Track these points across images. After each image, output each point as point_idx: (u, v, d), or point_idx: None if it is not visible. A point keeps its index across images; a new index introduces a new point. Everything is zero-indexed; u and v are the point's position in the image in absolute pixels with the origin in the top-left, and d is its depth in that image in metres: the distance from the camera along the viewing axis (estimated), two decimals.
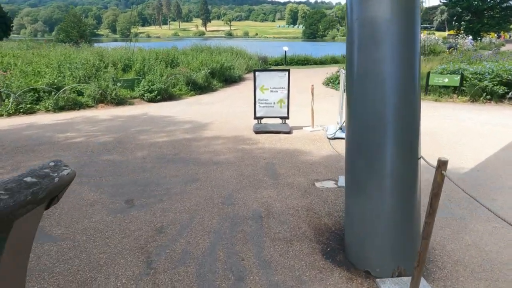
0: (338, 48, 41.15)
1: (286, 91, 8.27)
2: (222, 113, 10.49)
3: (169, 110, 11.14)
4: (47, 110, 10.92)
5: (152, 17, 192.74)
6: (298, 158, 6.33)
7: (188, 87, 14.12)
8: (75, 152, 6.79)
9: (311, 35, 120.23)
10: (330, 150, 6.83)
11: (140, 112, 10.88)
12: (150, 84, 12.65)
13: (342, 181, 5.15)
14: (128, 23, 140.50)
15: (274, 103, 8.34)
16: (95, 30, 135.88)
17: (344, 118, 7.80)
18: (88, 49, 17.98)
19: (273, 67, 23.33)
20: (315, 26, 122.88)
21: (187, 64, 16.32)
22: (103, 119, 9.85)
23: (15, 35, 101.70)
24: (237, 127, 8.70)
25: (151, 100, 12.52)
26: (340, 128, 7.68)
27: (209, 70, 15.41)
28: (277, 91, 8.28)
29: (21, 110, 10.59)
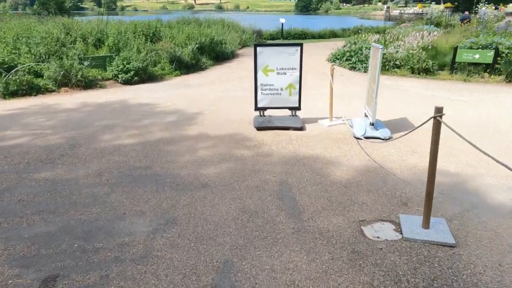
0: (334, 22, 38.57)
1: (298, 73, 6.21)
2: (213, 100, 8.40)
3: (148, 95, 8.99)
4: None
5: None
6: (323, 175, 4.36)
7: (172, 65, 11.86)
8: (3, 164, 4.75)
9: (304, 8, 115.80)
10: (364, 158, 4.87)
11: (111, 98, 8.73)
12: (125, 62, 10.38)
13: (408, 227, 3.19)
14: None
15: (281, 89, 6.29)
16: (79, 3, 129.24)
17: (377, 111, 5.91)
18: (53, 20, 15.36)
19: (269, 41, 21.01)
20: None
21: (171, 38, 13.93)
22: (62, 109, 7.72)
23: None
24: (233, 120, 6.67)
25: (127, 82, 10.31)
26: (372, 124, 5.69)
27: (197, 45, 13.06)
28: (285, 73, 6.22)
29: None
